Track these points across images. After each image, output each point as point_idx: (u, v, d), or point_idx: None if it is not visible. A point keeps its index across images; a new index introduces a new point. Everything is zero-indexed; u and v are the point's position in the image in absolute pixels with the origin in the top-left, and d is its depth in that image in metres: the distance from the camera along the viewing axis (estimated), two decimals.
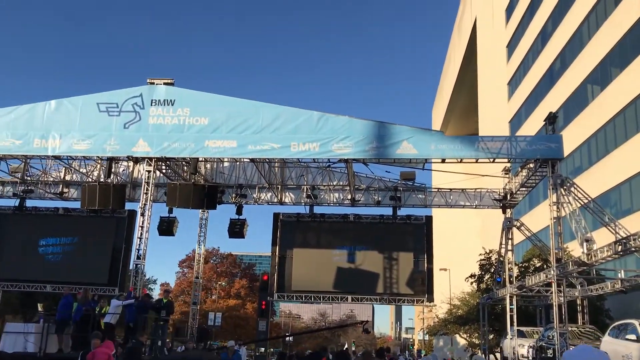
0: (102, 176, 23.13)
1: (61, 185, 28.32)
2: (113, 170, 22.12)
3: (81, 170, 27.05)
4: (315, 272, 27.25)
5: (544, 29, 45.13)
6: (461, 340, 46.01)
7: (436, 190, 27.61)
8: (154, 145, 21.01)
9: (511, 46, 53.98)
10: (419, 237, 27.00)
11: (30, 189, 28.18)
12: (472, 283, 35.22)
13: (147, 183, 21.01)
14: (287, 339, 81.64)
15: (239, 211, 27.58)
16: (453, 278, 51.87)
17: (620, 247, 14.87)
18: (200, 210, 28.56)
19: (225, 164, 28.63)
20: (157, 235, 27.56)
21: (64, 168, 27.80)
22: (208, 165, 28.27)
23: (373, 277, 26.80)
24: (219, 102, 21.35)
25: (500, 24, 57.84)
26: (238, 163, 28.43)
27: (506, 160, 21.17)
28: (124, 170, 27.90)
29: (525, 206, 42.92)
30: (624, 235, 16.01)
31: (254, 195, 27.98)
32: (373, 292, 27.10)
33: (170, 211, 27.80)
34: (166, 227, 27.54)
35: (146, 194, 20.95)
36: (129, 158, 21.22)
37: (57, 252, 27.53)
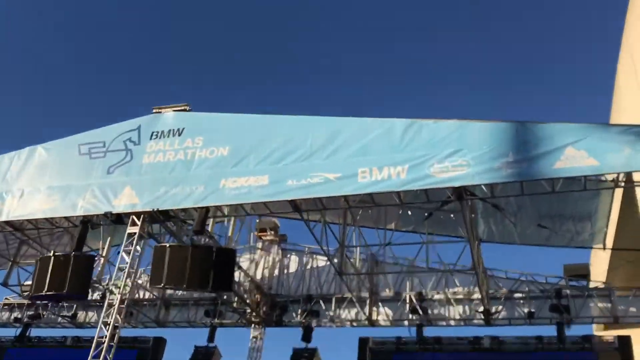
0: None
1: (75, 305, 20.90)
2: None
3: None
4: None
5: None
6: None
7: (631, 292, 16.33)
8: (145, 193, 13.22)
9: None
10: None
11: (38, 312, 20.99)
12: None
13: (126, 252, 12.77)
14: None
15: (306, 336, 18.02)
16: None
17: None
18: (253, 336, 19.20)
19: (291, 269, 19.93)
20: None
21: None
22: (265, 272, 19.74)
23: None
24: (246, 124, 13.54)
25: None
26: (309, 267, 19.73)
27: None
28: None
29: None
30: None
31: (329, 313, 18.41)
32: None
33: (211, 338, 19.02)
34: None
35: (124, 271, 12.54)
36: (106, 216, 13.38)
37: None
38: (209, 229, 15.74)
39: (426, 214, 13.72)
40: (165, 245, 12.27)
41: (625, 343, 15.57)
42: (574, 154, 10.58)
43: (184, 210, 13.27)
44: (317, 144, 12.46)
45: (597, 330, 18.96)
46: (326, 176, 11.93)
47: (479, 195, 11.84)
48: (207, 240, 13.89)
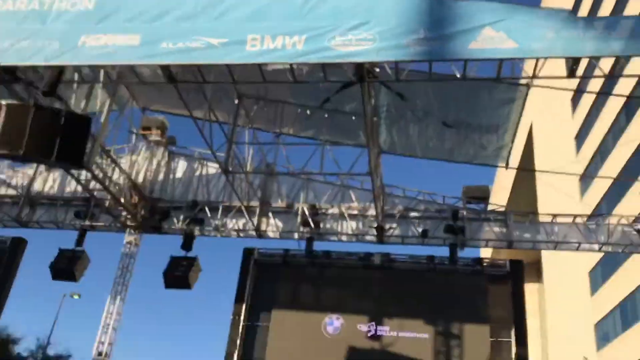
0: None
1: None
2: None
3: None
4: (311, 356, 15.17)
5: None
6: None
7: (527, 216, 15.85)
8: None
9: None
10: (499, 297, 14.97)
11: None
12: None
13: None
14: None
15: (186, 244, 16.37)
16: None
17: None
18: (127, 241, 17.31)
19: (178, 175, 18.02)
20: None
21: None
22: (148, 175, 17.72)
23: None
24: None
25: None
26: (198, 174, 17.92)
27: None
28: None
29: None
30: None
31: (215, 222, 16.79)
32: None
33: (80, 241, 16.94)
34: (65, 268, 16.54)
35: None
36: None
37: None
38: None
39: (324, 99, 12.11)
40: (1, 103, 9.97)
41: (516, 268, 15.20)
42: (492, 34, 9.27)
43: (34, 70, 10.95)
44: (203, 2, 10.43)
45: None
46: (208, 41, 9.99)
47: (382, 79, 10.39)
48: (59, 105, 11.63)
